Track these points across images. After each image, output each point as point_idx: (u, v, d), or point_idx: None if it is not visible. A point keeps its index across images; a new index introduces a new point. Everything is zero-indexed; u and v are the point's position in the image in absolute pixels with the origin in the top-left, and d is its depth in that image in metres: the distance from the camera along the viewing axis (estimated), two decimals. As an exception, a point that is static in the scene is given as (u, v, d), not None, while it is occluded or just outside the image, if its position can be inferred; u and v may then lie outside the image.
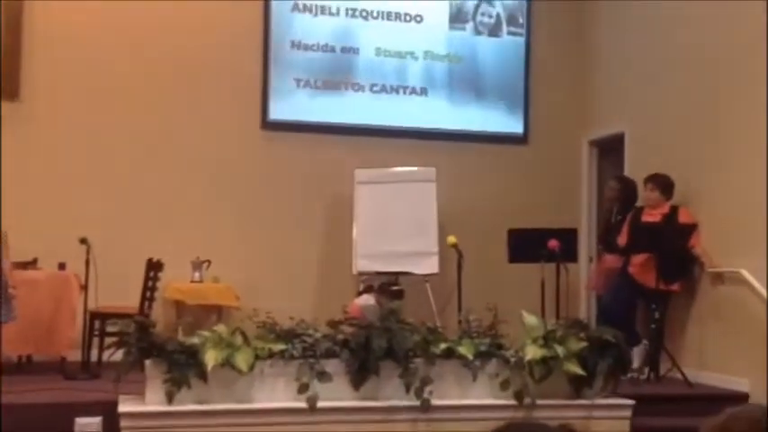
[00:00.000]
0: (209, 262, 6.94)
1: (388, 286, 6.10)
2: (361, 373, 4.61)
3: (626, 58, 7.47)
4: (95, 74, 7.01)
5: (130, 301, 6.04)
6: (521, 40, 8.12)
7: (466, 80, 7.98)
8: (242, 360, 4.43)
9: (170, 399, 4.31)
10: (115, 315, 5.76)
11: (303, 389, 4.50)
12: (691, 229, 6.07)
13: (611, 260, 6.56)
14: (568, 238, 6.58)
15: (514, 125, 8.06)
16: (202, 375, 4.37)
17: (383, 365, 4.63)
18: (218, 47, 7.30)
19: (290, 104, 7.57)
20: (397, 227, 7.09)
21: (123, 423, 4.16)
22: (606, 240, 6.74)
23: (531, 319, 4.91)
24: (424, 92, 7.91)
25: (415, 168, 7.34)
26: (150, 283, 6.18)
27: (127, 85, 7.09)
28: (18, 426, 4.34)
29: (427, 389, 4.60)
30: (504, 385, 4.70)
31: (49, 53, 6.89)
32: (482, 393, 4.71)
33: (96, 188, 6.91)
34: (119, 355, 4.65)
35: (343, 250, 7.18)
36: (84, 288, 5.73)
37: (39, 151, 6.82)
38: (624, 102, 7.44)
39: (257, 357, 4.51)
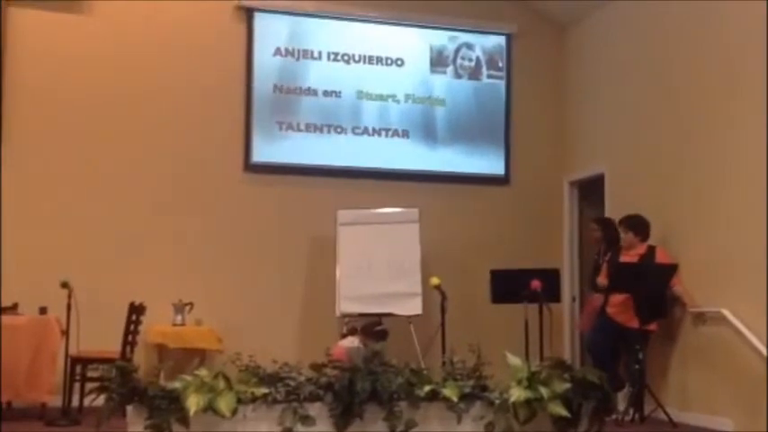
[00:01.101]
0: (191, 305, 6.90)
1: (372, 327, 6.09)
2: (345, 417, 4.55)
3: (604, 99, 7.60)
4: (76, 117, 7.04)
5: (112, 346, 5.97)
6: (500, 83, 8.25)
7: (447, 122, 8.08)
8: (224, 404, 4.36)
9: (152, 445, 4.24)
10: (97, 360, 5.70)
11: (286, 433, 4.44)
12: (669, 268, 6.13)
13: (596, 299, 6.60)
14: (551, 278, 6.62)
15: (496, 166, 8.15)
16: (184, 420, 4.29)
17: (367, 408, 4.57)
18: (201, 90, 7.35)
19: (273, 147, 7.62)
20: (380, 268, 7.10)
21: (104, 470, 4.09)
22: (591, 280, 6.80)
23: (514, 361, 4.88)
24: (405, 134, 7.99)
25: (398, 209, 7.38)
26: (132, 327, 6.12)
27: (108, 127, 7.11)
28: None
29: (412, 432, 4.55)
30: (489, 427, 4.65)
31: (30, 96, 6.91)
32: (467, 436, 4.66)
33: (77, 232, 6.89)
34: (100, 400, 4.57)
35: (326, 292, 7.17)
36: (66, 333, 5.68)
37: (19, 194, 6.79)
38: (604, 142, 7.55)
39: (240, 401, 4.44)
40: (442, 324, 6.12)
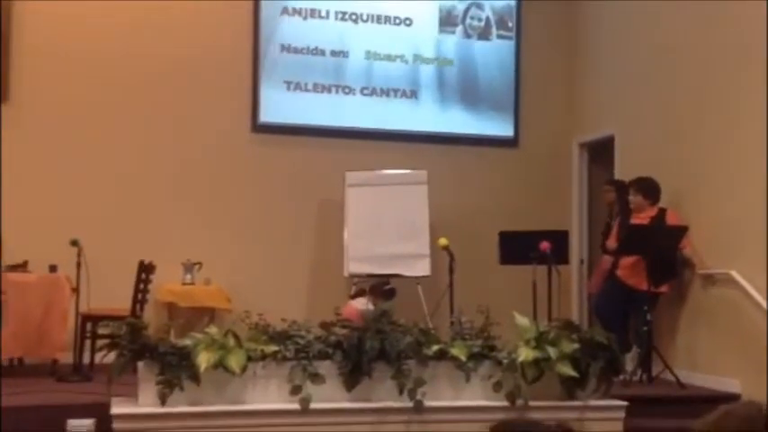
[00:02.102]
0: (200, 264, 6.93)
1: (381, 287, 6.11)
2: (353, 375, 4.60)
3: (616, 60, 7.52)
4: (85, 76, 7.00)
5: (122, 304, 6.01)
6: (510, 43, 8.16)
7: (456, 83, 8.01)
8: (234, 362, 4.41)
9: (163, 400, 4.29)
10: (107, 317, 5.72)
11: (296, 390, 4.49)
12: (679, 230, 6.11)
13: (606, 261, 6.59)
14: (560, 240, 6.60)
15: (504, 128, 8.09)
16: (195, 377, 4.35)
17: (376, 367, 4.63)
18: (208, 50, 7.29)
19: (281, 108, 7.57)
20: (389, 229, 7.10)
21: (116, 425, 4.14)
22: (602, 242, 6.79)
23: (522, 321, 4.91)
24: (413, 95, 7.93)
25: (406, 171, 7.35)
26: (142, 286, 6.16)
27: (116, 88, 7.07)
28: (11, 428, 4.31)
29: (420, 390, 4.60)
30: (497, 387, 4.70)
31: (38, 55, 6.86)
32: (475, 395, 4.70)
33: (87, 190, 6.89)
34: (111, 357, 4.62)
35: (334, 252, 7.18)
36: (76, 290, 5.71)
37: (29, 154, 6.78)
38: (614, 104, 7.48)
39: (250, 359, 4.49)
40: (450, 285, 6.13)
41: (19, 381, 5.39)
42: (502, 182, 7.92)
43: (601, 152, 7.75)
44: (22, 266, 6.14)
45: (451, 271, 6.17)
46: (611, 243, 6.39)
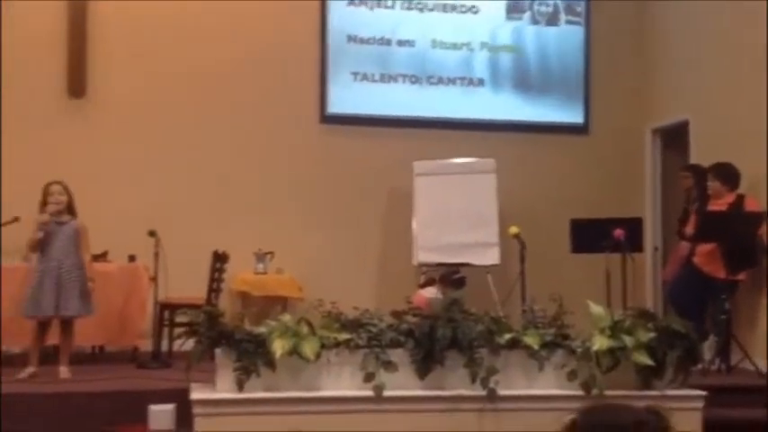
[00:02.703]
0: (272, 254, 7.04)
1: (450, 275, 6.10)
2: (426, 363, 4.61)
3: (688, 43, 7.32)
4: (159, 71, 7.16)
5: (197, 293, 6.15)
6: (579, 28, 8.02)
7: (524, 70, 7.92)
8: (309, 349, 4.47)
9: (240, 386, 4.38)
10: (184, 306, 5.87)
11: (369, 378, 4.53)
12: (758, 217, 5.93)
13: (683, 248, 6.44)
14: (634, 227, 6.48)
15: (574, 115, 7.98)
16: (271, 363, 4.42)
17: (448, 355, 4.63)
18: (276, 43, 7.38)
19: (348, 98, 7.62)
20: (458, 218, 7.08)
21: (196, 410, 4.24)
22: (679, 228, 6.64)
23: (597, 310, 4.84)
24: (481, 83, 7.88)
25: (475, 159, 7.31)
26: (216, 275, 6.29)
27: (189, 80, 7.22)
28: (93, 413, 4.47)
29: (493, 378, 4.58)
30: (571, 376, 4.65)
31: (114, 50, 7.05)
32: (549, 384, 4.66)
33: (163, 182, 7.06)
34: (188, 344, 4.74)
35: (402, 242, 7.20)
36: (154, 280, 5.88)
37: (107, 148, 6.99)
38: (688, 89, 7.29)
39: (323, 346, 4.54)
40: (522, 273, 6.08)
41: (101, 367, 5.59)
42: (572, 169, 7.81)
43: (674, 138, 7.57)
44: (102, 257, 6.34)
45: (522, 259, 6.12)
46: (689, 229, 6.24)
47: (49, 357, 5.38)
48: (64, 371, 5.15)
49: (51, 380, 5.02)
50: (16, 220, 5.76)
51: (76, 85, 6.96)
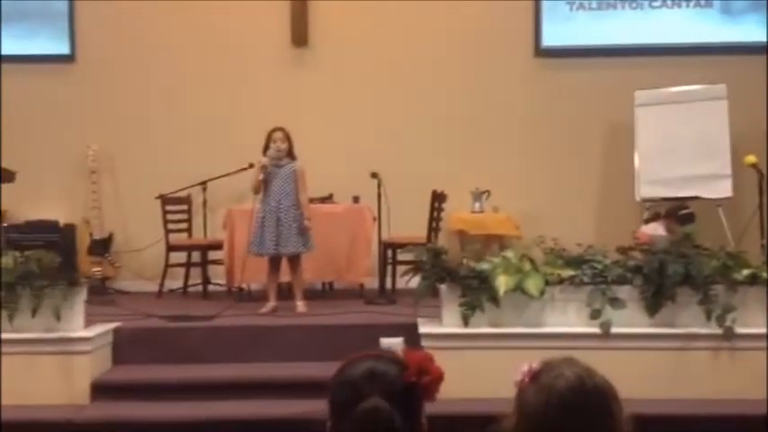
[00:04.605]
0: (488, 192, 7.05)
1: (678, 210, 5.81)
2: (656, 300, 4.47)
3: None
4: (378, 18, 7.27)
5: (417, 232, 6.31)
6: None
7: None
8: (533, 285, 4.48)
9: (466, 321, 4.49)
10: (406, 244, 6.05)
11: (595, 314, 4.47)
12: None
13: None
14: None
15: (815, 31, 7.18)
16: (495, 299, 4.49)
17: (680, 292, 4.46)
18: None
19: (564, 29, 7.37)
20: (684, 149, 6.67)
21: (424, 343, 4.41)
22: None
23: None
24: (708, 4, 7.32)
25: (702, 86, 6.82)
26: (435, 214, 6.42)
27: (403, 23, 7.29)
28: (329, 345, 4.75)
29: (730, 316, 4.36)
30: (819, 314, 4.30)
31: (333, 2, 7.25)
32: (793, 322, 4.35)
33: (383, 125, 7.24)
34: (411, 282, 4.92)
35: (623, 176, 6.93)
36: (377, 220, 6.10)
37: (329, 94, 7.27)
38: None
39: (547, 283, 4.53)
40: (760, 206, 5.65)
41: (331, 302, 5.94)
42: (816, 91, 7.06)
43: None
44: (328, 198, 6.68)
45: (761, 191, 5.68)
46: None
47: (283, 293, 5.77)
48: (300, 305, 5.51)
49: (290, 313, 5.40)
50: (251, 166, 6.17)
51: (299, 34, 7.28)
